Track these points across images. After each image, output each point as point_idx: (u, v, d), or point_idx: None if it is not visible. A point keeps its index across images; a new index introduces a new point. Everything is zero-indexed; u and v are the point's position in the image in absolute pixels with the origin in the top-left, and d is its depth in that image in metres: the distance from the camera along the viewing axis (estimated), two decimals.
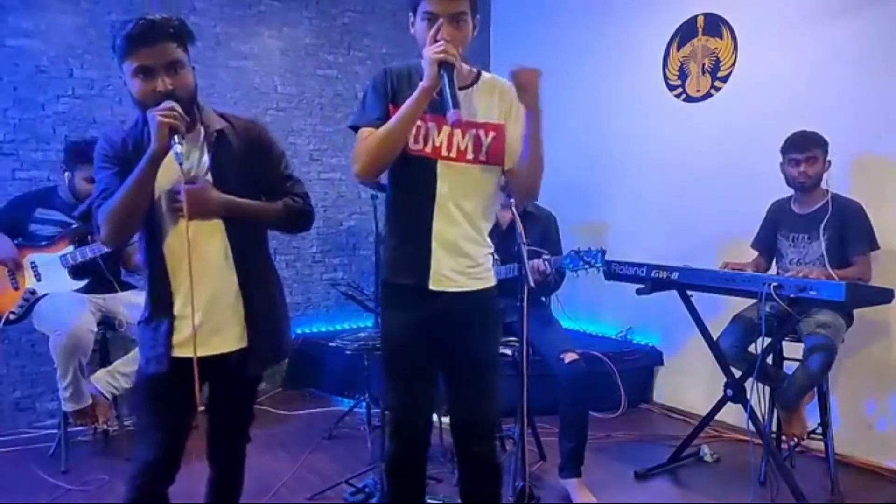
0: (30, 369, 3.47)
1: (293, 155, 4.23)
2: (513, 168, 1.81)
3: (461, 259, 1.77)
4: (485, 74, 1.83)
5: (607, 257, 2.66)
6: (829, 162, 2.77)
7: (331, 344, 3.98)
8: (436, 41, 1.62)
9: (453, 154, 1.74)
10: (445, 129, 1.72)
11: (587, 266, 2.53)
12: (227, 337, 1.70)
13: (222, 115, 1.75)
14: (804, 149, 2.76)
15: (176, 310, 1.66)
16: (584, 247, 2.60)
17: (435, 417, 2.89)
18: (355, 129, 1.77)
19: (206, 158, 1.67)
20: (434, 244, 1.74)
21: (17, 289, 2.90)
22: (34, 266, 2.92)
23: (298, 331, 4.28)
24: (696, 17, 3.66)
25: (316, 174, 4.33)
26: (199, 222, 1.63)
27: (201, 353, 1.61)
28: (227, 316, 1.70)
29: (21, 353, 3.44)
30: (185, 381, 1.64)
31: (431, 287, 1.75)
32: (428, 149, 1.73)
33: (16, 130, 3.41)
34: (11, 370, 3.43)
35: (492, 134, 1.77)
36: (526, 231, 2.66)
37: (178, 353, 1.66)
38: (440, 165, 1.73)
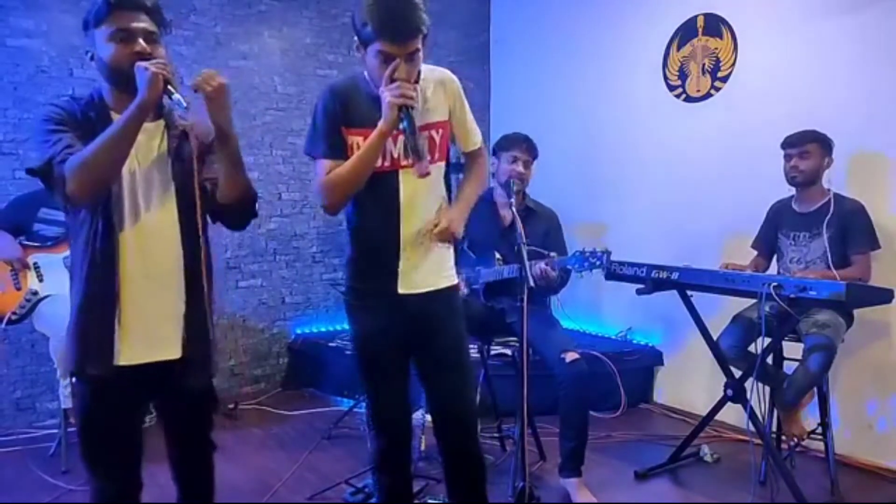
0: (30, 369, 3.47)
1: (292, 155, 4.23)
2: (475, 150, 1.93)
3: (427, 260, 1.83)
4: (425, 67, 1.81)
5: (607, 248, 2.66)
6: (831, 160, 2.77)
7: (331, 344, 4.01)
8: (392, 81, 1.63)
9: (411, 161, 1.76)
10: (401, 140, 1.75)
11: (592, 267, 2.53)
12: (170, 344, 1.58)
13: (181, 118, 1.67)
14: (796, 143, 2.78)
15: (121, 312, 1.52)
16: (587, 247, 2.60)
17: (430, 418, 2.92)
18: (311, 156, 1.80)
19: (164, 149, 1.58)
20: (403, 249, 1.79)
21: (19, 289, 2.90)
22: (37, 266, 2.92)
23: (298, 331, 4.29)
24: (696, 17, 3.66)
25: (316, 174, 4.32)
26: (156, 223, 1.54)
27: (148, 358, 1.53)
28: (171, 323, 1.58)
29: (21, 353, 3.44)
30: (128, 394, 1.55)
31: (401, 291, 1.80)
32: (387, 163, 1.78)
33: (16, 130, 3.41)
34: (12, 370, 3.43)
35: (440, 131, 1.82)
36: (529, 229, 2.68)
37: (122, 360, 1.52)
38: (401, 174, 1.78)
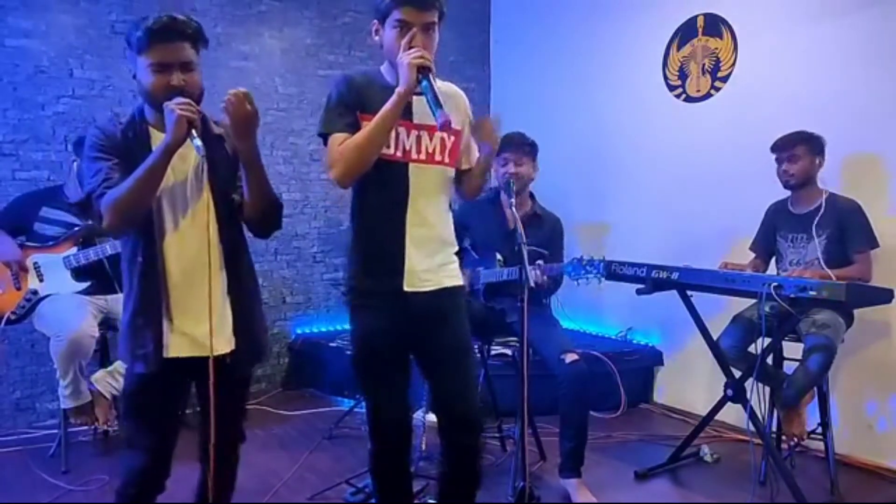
0: (30, 369, 3.47)
1: (293, 155, 4.23)
2: (470, 168, 1.95)
3: (434, 258, 1.83)
4: (439, 83, 1.83)
5: (608, 257, 2.66)
6: (823, 160, 2.77)
7: (331, 344, 4.02)
8: (411, 47, 1.66)
9: (423, 157, 1.78)
10: (414, 133, 1.77)
11: (588, 275, 2.53)
12: (219, 339, 1.70)
13: (216, 122, 1.78)
14: (783, 148, 2.79)
15: (168, 309, 1.67)
16: (585, 253, 2.59)
17: (431, 417, 2.91)
18: (324, 136, 1.80)
19: (202, 161, 1.70)
20: (408, 245, 1.78)
21: (18, 289, 2.90)
22: (37, 266, 2.92)
23: (299, 331, 4.29)
24: (696, 17, 3.66)
25: (316, 174, 4.33)
26: (194, 228, 1.67)
27: (195, 353, 1.67)
28: (217, 318, 1.70)
29: (21, 354, 3.44)
30: (174, 382, 1.70)
31: (406, 288, 1.79)
32: (399, 153, 1.77)
33: (16, 131, 3.41)
34: (11, 370, 3.44)
35: (452, 138, 1.84)
36: (532, 233, 2.69)
37: (169, 353, 1.67)
38: (411, 168, 1.78)
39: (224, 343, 1.72)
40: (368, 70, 1.88)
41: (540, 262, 2.61)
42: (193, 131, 1.55)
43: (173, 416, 1.76)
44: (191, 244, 1.68)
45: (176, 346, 1.68)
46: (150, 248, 1.66)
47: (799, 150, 2.75)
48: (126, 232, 1.67)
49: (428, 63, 1.64)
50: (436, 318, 1.83)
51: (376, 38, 1.78)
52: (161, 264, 1.66)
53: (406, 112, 1.73)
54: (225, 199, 1.72)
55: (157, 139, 1.64)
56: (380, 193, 1.79)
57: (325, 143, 1.81)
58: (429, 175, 1.81)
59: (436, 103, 1.62)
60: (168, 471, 1.73)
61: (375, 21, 1.76)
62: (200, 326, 1.68)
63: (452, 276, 1.89)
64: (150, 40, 1.58)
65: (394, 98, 1.66)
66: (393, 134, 1.75)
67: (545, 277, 2.56)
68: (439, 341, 1.86)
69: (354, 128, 1.74)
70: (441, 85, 1.82)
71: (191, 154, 1.64)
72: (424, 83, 1.63)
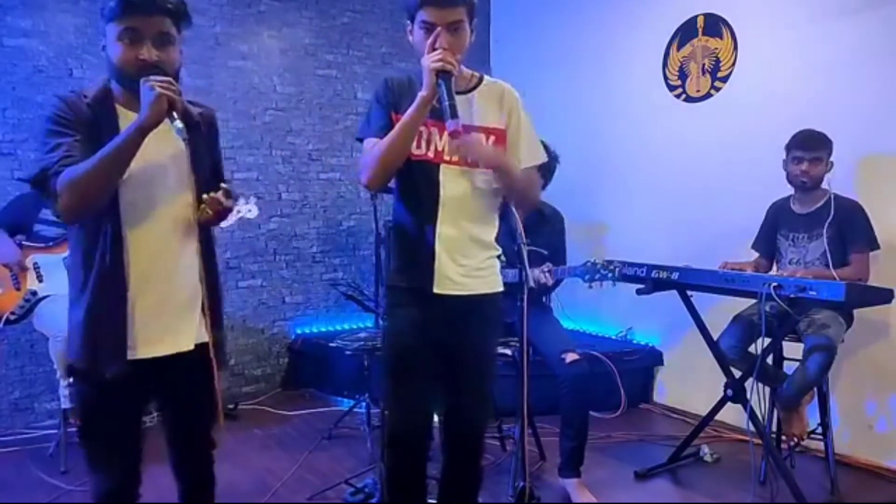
0: (29, 370, 3.46)
1: (292, 155, 4.23)
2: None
3: (465, 262, 1.79)
4: (487, 79, 1.85)
5: (608, 257, 2.66)
6: (832, 163, 2.76)
7: (331, 344, 3.99)
8: (434, 50, 1.65)
9: (456, 158, 1.76)
10: (446, 134, 1.73)
11: (603, 279, 2.52)
12: (184, 335, 1.58)
13: (191, 103, 1.64)
14: (811, 148, 2.72)
15: (132, 305, 1.51)
16: (584, 253, 2.59)
17: (433, 418, 2.88)
18: (361, 140, 1.80)
19: (181, 144, 1.54)
20: (438, 248, 1.76)
21: (18, 289, 2.89)
22: (37, 267, 2.92)
23: (298, 331, 4.28)
24: (696, 17, 3.66)
25: (315, 174, 4.33)
26: (171, 216, 1.53)
27: (158, 352, 1.53)
28: (184, 313, 1.59)
29: (20, 354, 3.44)
30: (136, 389, 1.54)
31: (436, 290, 1.77)
32: (430, 154, 1.75)
33: (14, 130, 3.40)
34: (10, 370, 3.43)
35: (492, 138, 1.79)
36: (536, 232, 2.68)
37: (135, 354, 1.52)
38: (443, 169, 1.76)
39: (188, 341, 1.58)
40: (412, 71, 1.83)
41: (548, 263, 2.61)
42: (174, 112, 1.41)
43: (138, 427, 1.60)
44: (164, 236, 1.53)
45: (143, 346, 1.52)
46: (116, 237, 1.48)
47: (822, 153, 2.71)
48: (83, 217, 1.46)
49: (448, 67, 1.61)
50: (464, 324, 1.80)
51: (410, 38, 1.76)
52: (128, 257, 1.49)
53: (440, 113, 1.66)
54: (204, 184, 1.57)
55: (126, 119, 1.48)
56: (413, 194, 1.79)
57: None
58: (462, 177, 1.76)
59: (449, 110, 1.60)
60: (139, 481, 1.61)
61: (408, 22, 1.75)
62: (171, 323, 1.56)
63: (489, 281, 1.84)
64: (123, 8, 1.43)
65: (416, 103, 1.65)
66: (426, 134, 1.74)
67: (552, 280, 2.56)
68: (463, 348, 1.83)
69: (387, 130, 1.72)
70: (489, 81, 1.83)
71: (169, 137, 1.48)
72: (441, 88, 1.61)
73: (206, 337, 1.61)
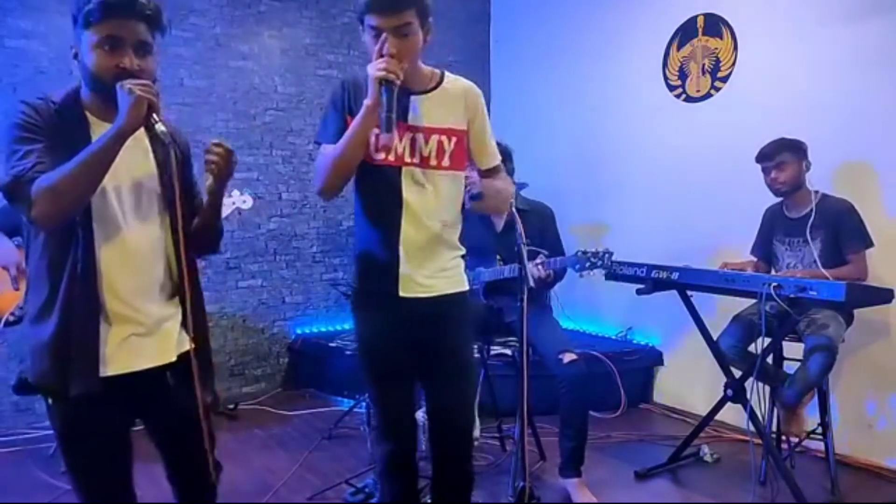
0: None
1: (292, 155, 4.23)
2: (490, 168, 1.87)
3: (430, 264, 1.78)
4: (448, 76, 1.81)
5: (607, 248, 2.66)
6: (808, 163, 2.76)
7: (331, 344, 4.02)
8: (380, 56, 1.62)
9: (416, 160, 1.74)
10: (408, 136, 1.72)
11: (593, 267, 2.52)
12: (162, 347, 1.50)
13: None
14: (769, 156, 2.78)
15: (105, 318, 1.43)
16: (589, 247, 2.58)
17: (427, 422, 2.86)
18: (319, 144, 1.78)
19: (152, 153, 1.51)
20: (402, 251, 1.74)
21: (17, 290, 2.89)
22: None
23: (298, 331, 4.29)
24: (696, 17, 3.66)
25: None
26: (143, 228, 1.48)
27: (134, 366, 1.45)
28: (163, 327, 1.51)
29: (20, 355, 3.44)
30: (116, 405, 1.45)
31: (401, 294, 1.76)
32: (391, 157, 1.73)
33: None
34: (10, 372, 3.42)
35: (454, 139, 1.77)
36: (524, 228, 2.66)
37: (110, 369, 1.42)
38: (404, 172, 1.74)
39: (169, 353, 1.51)
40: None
41: (542, 256, 2.60)
42: (155, 115, 1.36)
43: (125, 443, 1.50)
44: (144, 244, 1.48)
45: (115, 363, 1.43)
46: (88, 249, 1.40)
47: (784, 156, 2.75)
48: (58, 225, 1.38)
49: (390, 76, 1.58)
50: (434, 325, 1.79)
51: (364, 39, 1.74)
52: (101, 265, 1.42)
53: (400, 116, 1.66)
54: (185, 197, 1.52)
55: (97, 126, 1.43)
56: (374, 198, 1.77)
57: None
58: (424, 179, 1.74)
59: (385, 122, 1.58)
60: (134, 498, 1.54)
61: (360, 25, 1.71)
62: (147, 337, 1.47)
63: (455, 281, 1.84)
64: (103, 13, 1.36)
65: (361, 112, 1.63)
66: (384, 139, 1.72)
67: (548, 272, 2.56)
68: (437, 350, 1.83)
69: (342, 135, 1.70)
70: (450, 80, 1.81)
71: (143, 143, 1.45)
72: (384, 97, 1.59)
73: (187, 345, 1.53)
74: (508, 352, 2.76)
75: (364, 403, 3.33)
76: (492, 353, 3.15)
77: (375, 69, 1.60)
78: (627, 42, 4.02)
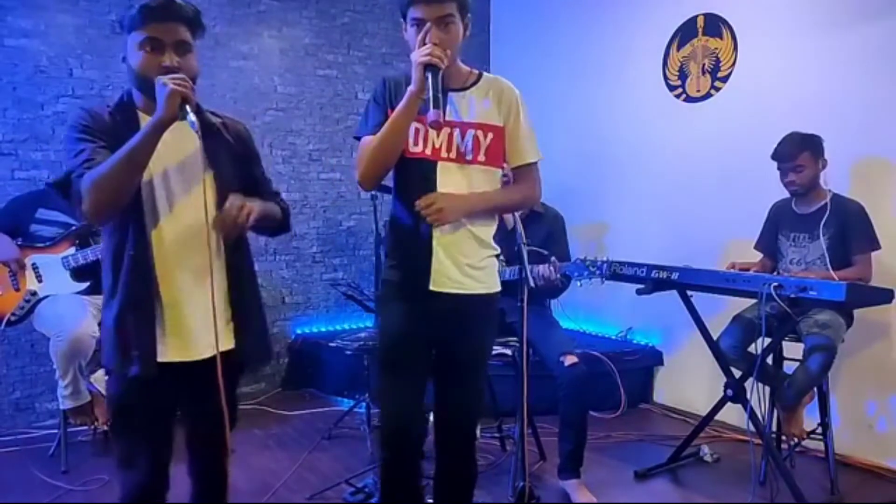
0: (29, 370, 3.47)
1: (292, 155, 4.23)
2: (521, 166, 1.85)
3: (462, 260, 1.78)
4: (487, 75, 1.85)
5: (608, 257, 2.66)
6: (825, 161, 2.74)
7: (331, 344, 4.00)
8: (423, 45, 1.65)
9: (453, 155, 1.75)
10: (445, 130, 1.73)
11: (592, 276, 2.52)
12: (209, 340, 1.56)
13: (213, 113, 1.70)
14: (788, 157, 2.73)
15: (161, 307, 1.55)
16: (589, 253, 2.58)
17: (433, 418, 2.86)
18: (358, 139, 1.80)
19: (197, 143, 1.56)
20: (435, 245, 1.75)
21: (17, 290, 2.89)
22: (35, 267, 2.91)
23: (298, 331, 4.29)
24: (696, 17, 3.66)
25: (316, 174, 4.33)
26: (193, 218, 1.54)
27: (186, 356, 1.56)
28: (210, 316, 1.56)
29: (21, 354, 3.44)
30: (166, 389, 1.56)
31: (432, 288, 1.76)
32: (427, 151, 1.75)
33: (15, 130, 3.40)
34: (11, 370, 3.43)
35: (490, 135, 1.78)
36: (532, 231, 2.68)
37: (165, 356, 1.55)
38: (440, 167, 1.75)
39: (222, 343, 1.59)
40: (409, 71, 1.80)
41: (553, 258, 2.61)
42: (187, 107, 1.44)
43: (169, 427, 1.64)
44: (189, 235, 1.55)
45: (170, 350, 1.56)
46: (141, 238, 1.52)
47: (803, 158, 2.70)
48: (107, 217, 1.51)
49: (435, 60, 1.61)
50: (458, 323, 1.80)
51: (405, 36, 1.77)
52: (153, 256, 1.53)
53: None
54: (226, 186, 1.60)
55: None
56: (409, 192, 1.77)
57: None
58: (459, 174, 1.75)
59: (432, 101, 1.60)
60: (168, 484, 1.65)
61: (402, 21, 1.75)
62: (198, 326, 1.56)
63: (485, 281, 1.82)
64: (144, 18, 1.50)
65: (405, 98, 1.66)
66: (422, 132, 1.73)
67: (558, 275, 2.55)
68: (456, 348, 1.84)
69: (382, 127, 1.73)
70: (489, 78, 1.83)
71: (189, 136, 1.51)
72: (428, 81, 1.62)
73: (233, 342, 1.64)
74: (508, 352, 2.76)
75: (364, 403, 3.33)
76: (492, 353, 3.14)
77: (420, 55, 1.63)
78: (627, 42, 4.02)
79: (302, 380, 4.17)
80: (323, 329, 4.35)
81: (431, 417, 2.08)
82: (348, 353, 3.29)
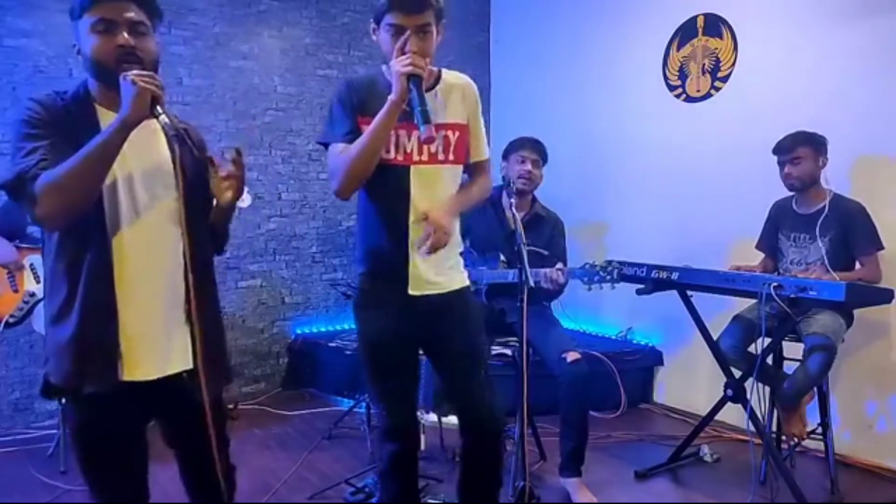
0: (28, 370, 3.46)
1: (292, 155, 4.23)
2: (479, 161, 1.90)
3: (441, 261, 1.80)
4: (445, 73, 1.85)
5: (608, 257, 2.66)
6: (826, 160, 2.75)
7: (331, 344, 4.01)
8: (402, 53, 1.64)
9: (425, 157, 1.76)
10: (415, 135, 1.73)
11: (602, 282, 2.52)
12: (179, 355, 1.47)
13: (175, 116, 1.52)
14: (786, 150, 2.75)
15: (122, 320, 1.40)
16: (585, 254, 2.59)
17: (433, 417, 2.87)
18: (325, 145, 1.78)
19: (164, 146, 1.47)
20: (411, 251, 1.76)
21: (16, 291, 2.89)
22: (33, 268, 2.91)
23: (298, 331, 4.28)
24: (696, 17, 3.66)
25: (315, 174, 4.32)
26: (156, 225, 1.44)
27: (150, 374, 1.42)
28: (178, 331, 1.47)
29: (19, 354, 3.44)
30: (132, 411, 1.43)
31: (411, 292, 1.78)
32: (400, 157, 1.75)
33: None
34: (10, 371, 3.43)
35: (457, 133, 1.81)
36: (534, 233, 2.68)
37: (127, 376, 1.39)
38: (413, 171, 1.76)
39: (183, 361, 1.47)
40: (372, 71, 1.85)
41: (560, 263, 2.62)
42: (158, 107, 1.33)
43: (138, 449, 1.50)
44: (151, 243, 1.44)
45: (134, 367, 1.41)
46: (102, 244, 1.38)
47: (802, 151, 2.72)
48: (64, 223, 1.35)
49: (417, 71, 1.60)
50: (445, 320, 1.82)
51: (374, 38, 1.76)
52: (111, 264, 1.38)
53: (409, 116, 1.66)
54: (194, 194, 1.49)
55: (106, 118, 1.39)
56: (382, 198, 1.78)
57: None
58: (433, 175, 1.78)
59: (421, 116, 1.58)
60: (147, 498, 1.54)
61: (373, 22, 1.73)
62: (165, 341, 1.44)
63: (459, 277, 1.88)
64: (93, 0, 1.38)
65: (386, 107, 1.64)
66: (393, 137, 1.73)
67: (565, 280, 2.56)
68: (451, 344, 1.85)
69: (354, 134, 1.72)
70: (448, 75, 1.84)
71: (155, 136, 1.42)
72: (412, 94, 1.60)
73: (190, 363, 1.49)
74: (508, 352, 2.76)
75: (364, 403, 3.33)
76: (492, 353, 3.14)
77: (402, 65, 1.61)
78: (627, 42, 4.02)
79: (302, 380, 4.16)
80: (323, 329, 4.34)
81: (420, 416, 2.10)
82: (348, 353, 3.30)
